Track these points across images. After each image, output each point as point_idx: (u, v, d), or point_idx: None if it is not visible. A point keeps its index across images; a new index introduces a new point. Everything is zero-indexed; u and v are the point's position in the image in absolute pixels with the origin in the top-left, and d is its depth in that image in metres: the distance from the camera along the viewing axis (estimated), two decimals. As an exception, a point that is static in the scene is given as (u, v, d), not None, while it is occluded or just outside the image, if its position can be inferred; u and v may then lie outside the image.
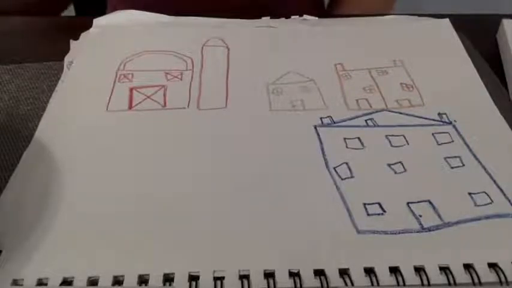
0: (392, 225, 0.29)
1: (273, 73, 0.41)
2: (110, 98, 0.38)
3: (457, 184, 0.31)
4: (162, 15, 0.48)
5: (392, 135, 0.35)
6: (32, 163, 0.33)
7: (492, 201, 0.30)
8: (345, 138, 0.35)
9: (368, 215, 0.30)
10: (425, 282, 0.26)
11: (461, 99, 0.38)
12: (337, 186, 0.31)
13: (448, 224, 0.29)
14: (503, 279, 0.26)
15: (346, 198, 0.30)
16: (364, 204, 0.30)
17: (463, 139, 0.35)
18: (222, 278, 0.26)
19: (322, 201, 0.30)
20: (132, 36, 0.45)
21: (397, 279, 0.26)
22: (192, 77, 0.40)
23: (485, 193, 0.31)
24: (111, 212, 0.30)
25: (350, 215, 0.29)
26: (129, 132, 0.35)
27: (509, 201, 0.30)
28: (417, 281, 0.26)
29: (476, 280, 0.26)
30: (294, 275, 0.26)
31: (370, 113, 0.37)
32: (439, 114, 0.37)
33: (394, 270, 0.27)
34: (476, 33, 0.45)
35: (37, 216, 0.29)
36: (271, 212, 0.30)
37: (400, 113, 0.37)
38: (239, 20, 0.47)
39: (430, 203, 0.30)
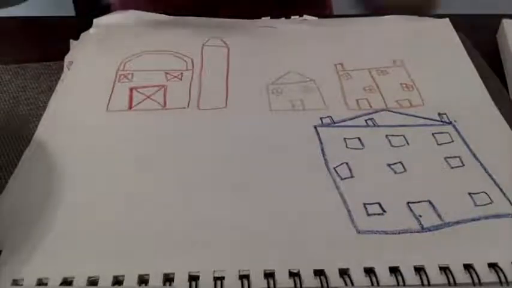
0: (392, 225, 0.29)
1: (273, 73, 0.41)
2: (110, 98, 0.38)
3: (457, 184, 0.31)
4: (162, 15, 0.48)
5: (393, 135, 0.35)
6: (32, 163, 0.33)
7: (492, 201, 0.30)
8: (345, 138, 0.35)
9: (368, 215, 0.30)
10: (425, 282, 0.26)
11: (461, 99, 0.38)
12: (337, 186, 0.31)
13: (448, 224, 0.29)
14: (503, 279, 0.26)
15: (346, 198, 0.30)
16: (364, 204, 0.30)
17: (463, 139, 0.35)
18: (222, 278, 0.26)
19: (322, 201, 0.30)
20: (132, 36, 0.45)
21: (397, 279, 0.26)
22: (192, 77, 0.40)
23: (485, 193, 0.31)
24: (111, 212, 0.30)
25: (350, 215, 0.29)
26: (129, 132, 0.35)
27: (509, 201, 0.30)
28: (417, 281, 0.26)
29: (476, 280, 0.26)
30: (294, 275, 0.26)
31: (370, 113, 0.37)
32: (439, 114, 0.37)
33: (394, 270, 0.27)
34: (476, 33, 0.45)
35: (37, 216, 0.29)
36: (271, 212, 0.30)
37: (400, 113, 0.37)
38: (239, 20, 0.47)
39: (430, 203, 0.30)
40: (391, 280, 0.26)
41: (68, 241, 0.28)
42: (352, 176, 0.32)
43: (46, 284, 0.26)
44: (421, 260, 0.27)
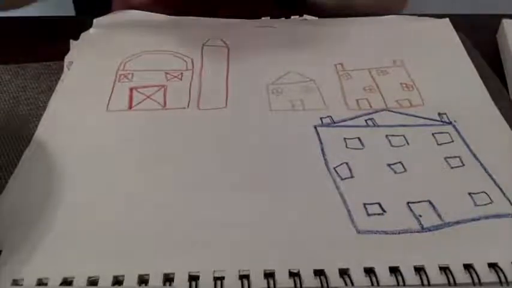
0: (392, 225, 0.29)
1: (273, 73, 0.41)
2: (110, 98, 0.38)
3: (457, 184, 0.31)
4: (162, 15, 0.48)
5: (393, 135, 0.35)
6: (32, 163, 0.33)
7: (492, 201, 0.30)
8: (345, 138, 0.35)
9: (368, 215, 0.30)
10: (425, 282, 0.26)
11: (461, 99, 0.38)
12: (337, 186, 0.31)
13: (448, 224, 0.29)
14: (503, 279, 0.26)
15: (346, 198, 0.30)
16: (364, 204, 0.30)
17: (463, 139, 0.35)
18: (222, 278, 0.26)
19: (322, 201, 0.30)
20: (132, 36, 0.45)
21: (397, 279, 0.26)
22: (192, 77, 0.40)
23: (485, 193, 0.31)
24: (111, 212, 0.30)
25: (350, 215, 0.29)
26: (129, 132, 0.35)
27: (509, 201, 0.30)
28: (417, 281, 0.26)
29: (476, 280, 0.26)
30: (294, 275, 0.26)
31: (370, 113, 0.37)
32: (439, 114, 0.37)
33: (394, 270, 0.27)
34: (476, 33, 0.45)
35: (37, 216, 0.29)
36: (271, 212, 0.30)
37: (400, 113, 0.37)
38: (239, 20, 0.47)
39: (430, 203, 0.30)
40: (391, 280, 0.26)
41: (68, 241, 0.28)
42: (352, 176, 0.32)
43: (46, 284, 0.26)
44: (421, 260, 0.27)
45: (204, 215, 0.29)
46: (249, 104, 0.38)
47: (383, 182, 0.32)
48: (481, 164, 0.33)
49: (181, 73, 0.41)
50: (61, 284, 0.26)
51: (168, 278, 0.26)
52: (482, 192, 0.31)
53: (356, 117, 0.37)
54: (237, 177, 0.32)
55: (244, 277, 0.26)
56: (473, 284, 0.26)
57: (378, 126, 0.36)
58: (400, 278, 0.26)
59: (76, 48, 0.44)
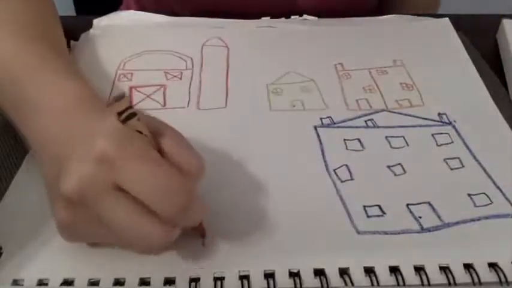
0: (392, 226, 0.29)
1: (273, 73, 0.41)
2: (109, 97, 0.38)
3: (457, 185, 0.31)
4: (162, 15, 0.48)
5: (392, 137, 0.35)
6: (34, 165, 0.33)
7: (492, 201, 0.30)
8: (345, 140, 0.35)
9: (368, 217, 0.29)
10: (425, 282, 0.26)
11: (461, 99, 0.38)
12: (337, 189, 0.31)
13: (448, 225, 0.29)
14: (503, 279, 0.26)
15: (346, 201, 0.30)
16: (364, 206, 0.30)
17: (462, 140, 0.35)
18: (222, 279, 0.26)
19: (322, 202, 0.30)
20: (132, 36, 0.45)
21: (397, 279, 0.26)
22: (192, 77, 0.40)
23: (485, 194, 0.31)
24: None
25: (350, 217, 0.29)
26: (129, 132, 0.35)
27: (509, 201, 0.30)
28: (417, 280, 0.26)
29: (476, 280, 0.26)
30: (294, 275, 0.26)
31: (370, 114, 0.37)
32: (439, 114, 0.37)
33: (394, 270, 0.27)
34: (476, 33, 0.45)
35: (38, 218, 0.29)
36: (271, 212, 0.30)
37: (400, 114, 0.37)
38: (239, 20, 0.47)
39: (430, 204, 0.30)
40: (391, 280, 0.26)
41: (69, 242, 0.28)
42: (352, 179, 0.32)
43: (46, 285, 0.26)
44: (421, 260, 0.27)
45: (204, 215, 0.29)
46: (249, 104, 0.38)
47: (383, 184, 0.32)
48: (481, 165, 0.33)
49: (181, 73, 0.41)
50: (61, 285, 0.26)
51: (169, 280, 0.26)
52: (482, 193, 0.31)
53: (356, 117, 0.37)
54: (236, 177, 0.32)
55: (244, 277, 0.26)
56: (473, 283, 0.26)
57: (378, 127, 0.36)
58: (400, 278, 0.26)
59: (76, 48, 0.44)
